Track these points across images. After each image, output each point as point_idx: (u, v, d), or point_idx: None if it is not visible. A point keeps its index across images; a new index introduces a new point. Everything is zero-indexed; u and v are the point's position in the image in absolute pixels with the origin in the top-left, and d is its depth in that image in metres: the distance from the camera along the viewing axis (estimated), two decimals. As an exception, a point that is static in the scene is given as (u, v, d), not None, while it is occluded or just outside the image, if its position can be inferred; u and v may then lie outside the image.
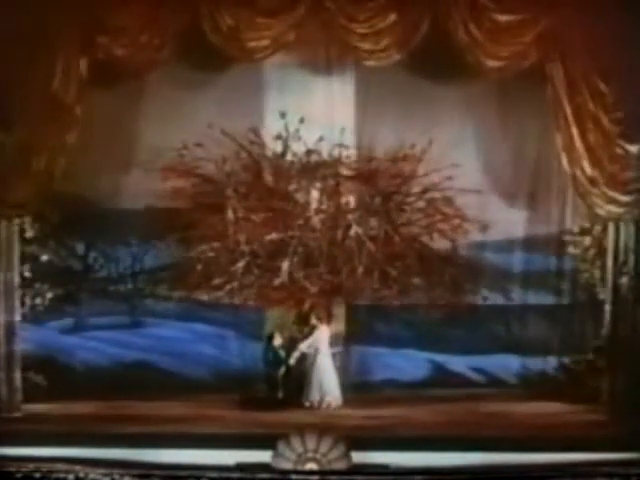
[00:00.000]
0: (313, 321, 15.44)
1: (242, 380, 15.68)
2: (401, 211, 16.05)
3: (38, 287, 15.77)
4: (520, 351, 16.05)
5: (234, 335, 16.15)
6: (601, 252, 15.50)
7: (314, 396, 15.14)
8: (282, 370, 15.28)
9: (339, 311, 15.94)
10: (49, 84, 14.27)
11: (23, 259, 15.31)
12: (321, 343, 15.32)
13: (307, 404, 15.12)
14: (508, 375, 16.08)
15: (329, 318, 15.72)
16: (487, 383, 16.05)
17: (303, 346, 15.33)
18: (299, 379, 15.30)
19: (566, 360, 15.82)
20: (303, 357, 15.35)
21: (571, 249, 15.96)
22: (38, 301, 15.78)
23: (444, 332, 16.06)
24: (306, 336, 15.42)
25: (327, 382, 15.20)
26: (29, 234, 15.49)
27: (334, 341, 15.66)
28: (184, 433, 13.24)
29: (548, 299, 16.17)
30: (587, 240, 15.83)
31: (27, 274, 15.52)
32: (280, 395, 15.16)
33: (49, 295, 15.88)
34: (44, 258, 15.88)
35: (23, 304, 15.43)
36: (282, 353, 15.37)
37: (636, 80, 13.70)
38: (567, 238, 15.98)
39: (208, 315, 16.12)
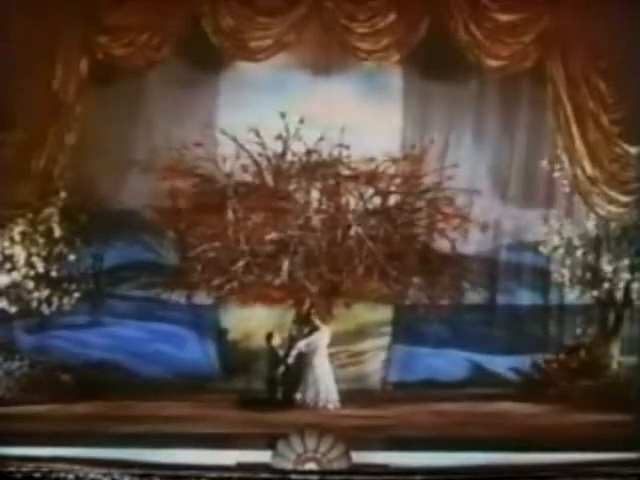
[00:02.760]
0: (316, 322, 15.41)
1: (200, 378, 15.76)
2: (401, 211, 16.06)
3: (65, 286, 15.81)
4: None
5: (191, 334, 16.13)
6: (570, 251, 15.54)
7: (309, 396, 15.07)
8: (281, 370, 15.24)
9: (339, 311, 15.96)
10: (49, 84, 14.27)
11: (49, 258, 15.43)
12: (320, 343, 15.27)
13: (300, 402, 15.04)
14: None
15: (329, 318, 15.72)
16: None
17: (301, 345, 15.28)
18: (298, 379, 15.27)
19: (538, 360, 15.86)
20: (301, 357, 15.31)
21: (542, 248, 15.96)
22: (65, 301, 15.82)
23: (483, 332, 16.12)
24: (306, 335, 15.39)
25: (323, 382, 15.09)
26: (57, 233, 15.57)
27: (334, 341, 15.70)
28: (184, 433, 13.22)
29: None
30: (555, 240, 15.83)
31: (54, 274, 15.61)
32: (279, 395, 15.13)
33: (76, 295, 15.89)
34: (72, 258, 15.88)
35: (50, 304, 15.50)
36: (280, 352, 15.34)
37: (636, 80, 13.71)
38: (538, 238, 16.00)
39: (166, 314, 16.09)
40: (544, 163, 15.61)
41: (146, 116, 15.72)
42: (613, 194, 14.36)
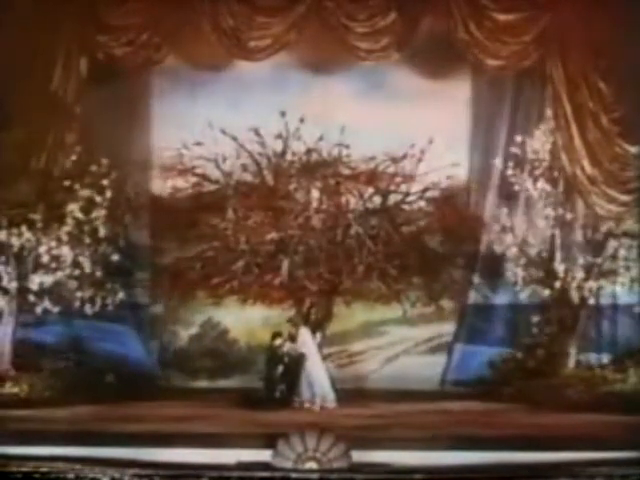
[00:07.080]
0: (289, 329, 15.32)
1: (143, 376, 15.61)
2: (401, 210, 16.08)
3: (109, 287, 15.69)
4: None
5: (133, 333, 15.92)
6: (523, 251, 15.53)
7: (303, 397, 14.98)
8: (279, 369, 15.21)
9: (339, 310, 15.96)
10: (49, 84, 14.29)
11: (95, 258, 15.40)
12: (306, 346, 15.15)
13: (297, 404, 14.97)
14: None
15: (327, 318, 15.73)
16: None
17: (286, 348, 15.19)
18: (295, 379, 15.20)
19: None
20: (297, 358, 15.25)
21: (496, 247, 15.90)
22: (109, 301, 15.75)
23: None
24: (288, 339, 15.30)
25: (318, 384, 14.99)
26: (101, 233, 15.51)
27: (337, 340, 15.70)
28: (184, 433, 13.23)
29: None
30: (509, 238, 15.79)
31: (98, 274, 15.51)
32: (277, 394, 15.10)
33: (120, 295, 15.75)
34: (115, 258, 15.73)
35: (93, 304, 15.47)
36: (279, 352, 15.30)
37: (636, 80, 13.73)
38: (492, 237, 15.91)
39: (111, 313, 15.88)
40: (497, 161, 15.63)
41: (146, 116, 15.73)
42: (613, 193, 14.38)
